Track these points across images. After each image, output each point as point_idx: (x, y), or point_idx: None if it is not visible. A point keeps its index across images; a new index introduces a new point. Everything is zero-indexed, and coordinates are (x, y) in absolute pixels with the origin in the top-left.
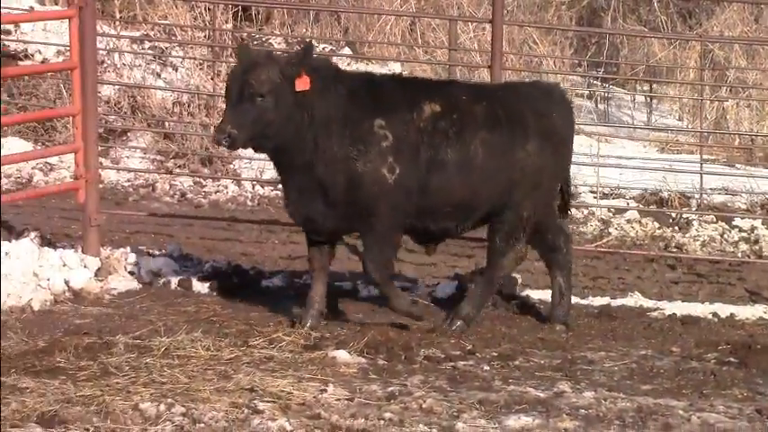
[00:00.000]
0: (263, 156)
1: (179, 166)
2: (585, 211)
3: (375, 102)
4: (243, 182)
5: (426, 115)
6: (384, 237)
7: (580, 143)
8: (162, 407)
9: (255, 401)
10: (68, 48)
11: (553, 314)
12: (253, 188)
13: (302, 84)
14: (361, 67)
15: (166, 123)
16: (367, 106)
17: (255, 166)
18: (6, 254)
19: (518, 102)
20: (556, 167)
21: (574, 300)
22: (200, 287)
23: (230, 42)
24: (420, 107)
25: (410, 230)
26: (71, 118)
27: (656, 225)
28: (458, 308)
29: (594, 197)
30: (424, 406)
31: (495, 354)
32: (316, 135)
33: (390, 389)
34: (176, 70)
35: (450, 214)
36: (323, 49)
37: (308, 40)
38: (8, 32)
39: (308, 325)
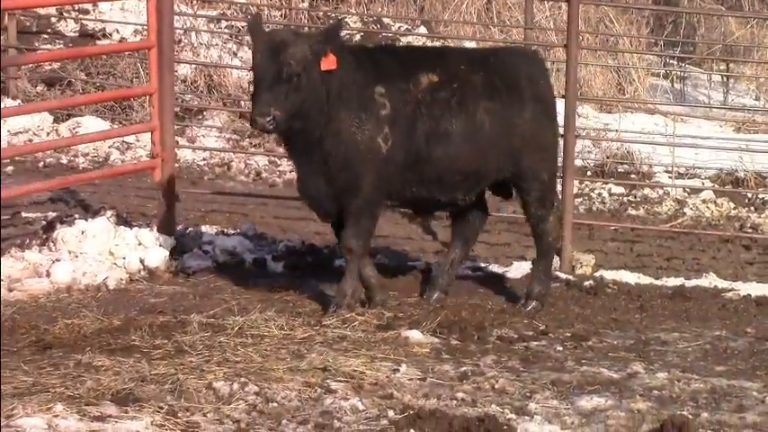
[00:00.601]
0: None
1: (254, 145)
2: (660, 191)
3: (378, 71)
4: None
5: (425, 85)
6: (366, 206)
7: (655, 122)
8: (235, 386)
9: (328, 381)
10: (146, 27)
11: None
12: None
13: (329, 63)
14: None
15: (242, 102)
16: (370, 75)
17: None
18: (83, 232)
19: (512, 68)
20: (554, 129)
21: (648, 281)
22: (274, 266)
23: (306, 21)
24: (417, 77)
25: (417, 201)
26: (147, 97)
27: (732, 205)
28: (528, 290)
29: (670, 177)
30: (496, 386)
31: (569, 334)
32: (330, 109)
33: (463, 369)
34: None
35: (458, 184)
36: (398, 27)
37: (339, 18)
38: (86, 12)
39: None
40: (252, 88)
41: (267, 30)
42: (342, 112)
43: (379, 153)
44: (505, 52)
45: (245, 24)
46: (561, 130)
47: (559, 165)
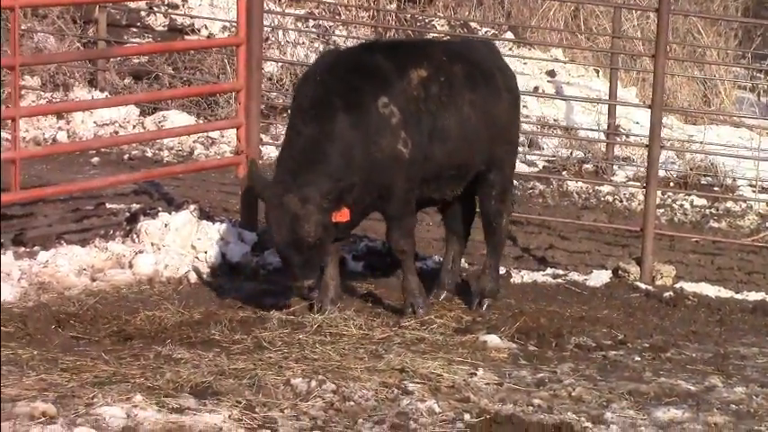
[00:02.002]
0: None
1: None
2: (743, 205)
3: (373, 80)
4: None
5: (416, 82)
6: (406, 206)
7: (740, 135)
8: (313, 383)
9: (405, 382)
10: (234, 23)
11: (443, 280)
12: None
13: (342, 216)
14: (523, 52)
15: None
16: (369, 87)
17: None
18: (166, 225)
19: (486, 59)
20: (518, 123)
21: (728, 294)
22: (355, 266)
23: (394, 23)
24: (408, 74)
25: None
26: (234, 93)
27: None
28: (480, 287)
29: (753, 191)
30: (573, 394)
31: (647, 345)
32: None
33: (540, 375)
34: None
35: (450, 180)
36: (485, 32)
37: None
38: (176, 6)
39: (328, 310)
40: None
41: (274, 196)
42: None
43: (403, 158)
44: (475, 43)
45: (330, 24)
46: (647, 141)
47: (643, 175)
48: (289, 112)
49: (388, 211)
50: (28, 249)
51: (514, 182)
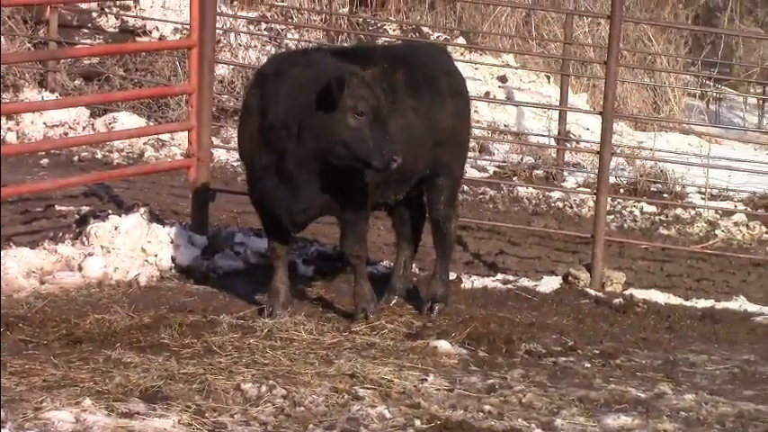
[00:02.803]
0: None
1: None
2: (693, 212)
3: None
4: None
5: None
6: (361, 211)
7: (690, 143)
8: (263, 388)
9: (356, 387)
10: (186, 25)
11: (394, 285)
12: None
13: None
14: (475, 57)
15: None
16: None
17: None
18: (115, 228)
19: (430, 63)
20: (468, 127)
21: (677, 301)
22: (305, 270)
23: (346, 27)
24: None
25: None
26: (185, 96)
27: (764, 229)
28: (431, 293)
29: (702, 198)
30: (523, 400)
31: (597, 351)
32: None
33: (490, 381)
34: None
35: (395, 184)
36: (437, 37)
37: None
38: (127, 8)
39: (278, 315)
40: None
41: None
42: None
43: None
44: (421, 47)
45: (283, 28)
46: (597, 147)
47: (594, 181)
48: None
49: (344, 215)
50: None
51: (463, 186)
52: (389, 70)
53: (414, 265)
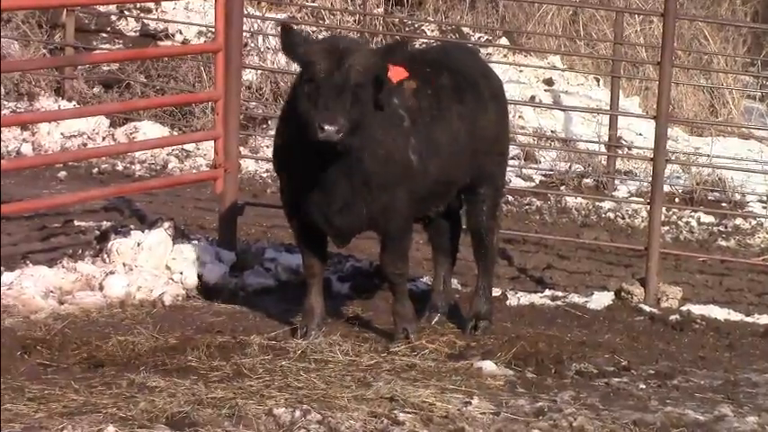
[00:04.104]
0: None
1: None
2: (753, 222)
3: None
4: None
5: (408, 93)
6: (404, 225)
7: (750, 148)
8: (297, 413)
9: (396, 412)
10: (210, 28)
11: (435, 302)
12: None
13: (396, 74)
14: (519, 59)
15: None
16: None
17: None
18: (138, 244)
19: (469, 66)
20: (508, 132)
21: (738, 317)
22: (340, 287)
23: (381, 28)
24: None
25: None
26: (211, 103)
27: None
28: (474, 311)
29: (764, 207)
30: (574, 424)
31: (652, 371)
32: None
33: (539, 404)
34: None
35: (440, 196)
36: (478, 38)
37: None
38: (148, 11)
39: (312, 335)
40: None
41: (323, 37)
42: (377, 129)
43: (411, 168)
44: (454, 49)
45: (314, 29)
46: (651, 153)
47: (647, 190)
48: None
49: (388, 229)
50: None
51: (508, 197)
52: (432, 74)
53: (454, 281)
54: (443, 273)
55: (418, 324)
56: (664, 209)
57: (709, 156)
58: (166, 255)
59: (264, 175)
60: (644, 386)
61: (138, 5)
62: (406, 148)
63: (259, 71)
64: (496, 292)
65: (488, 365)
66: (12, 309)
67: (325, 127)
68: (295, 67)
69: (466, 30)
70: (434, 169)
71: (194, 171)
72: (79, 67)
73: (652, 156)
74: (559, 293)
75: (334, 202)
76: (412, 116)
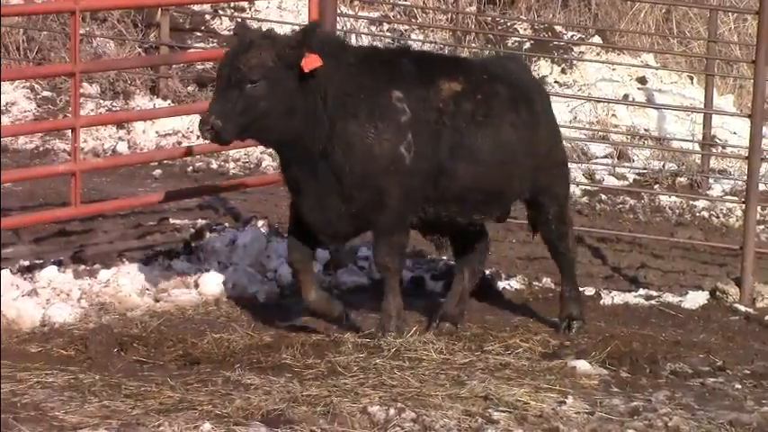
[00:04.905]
0: None
1: None
2: None
3: (387, 74)
4: None
5: (445, 95)
6: (395, 219)
7: None
8: (391, 411)
9: (490, 410)
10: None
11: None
12: None
13: (311, 63)
14: (612, 57)
15: None
16: (379, 78)
17: None
18: (233, 242)
19: (523, 79)
20: (561, 144)
21: None
22: (434, 286)
23: (473, 27)
24: (436, 85)
25: (432, 222)
26: None
27: None
28: (566, 312)
29: None
30: (669, 424)
31: (748, 371)
32: (331, 117)
33: (634, 404)
34: None
35: (480, 204)
36: (570, 36)
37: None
38: (242, 9)
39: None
40: None
41: (246, 31)
42: (350, 122)
43: (401, 164)
44: (510, 62)
45: (406, 28)
46: (746, 152)
47: (742, 189)
48: None
49: (376, 224)
50: (88, 268)
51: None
52: (487, 82)
53: (547, 280)
54: (463, 286)
55: (402, 323)
56: (759, 207)
57: None
58: (261, 253)
59: None
60: (739, 386)
61: (233, 4)
62: (397, 143)
63: None
64: (590, 291)
65: (582, 365)
66: (108, 306)
67: (203, 127)
68: None
69: (558, 28)
70: (465, 173)
71: None
72: (174, 65)
73: (747, 154)
74: (653, 293)
75: (307, 198)
76: (432, 116)
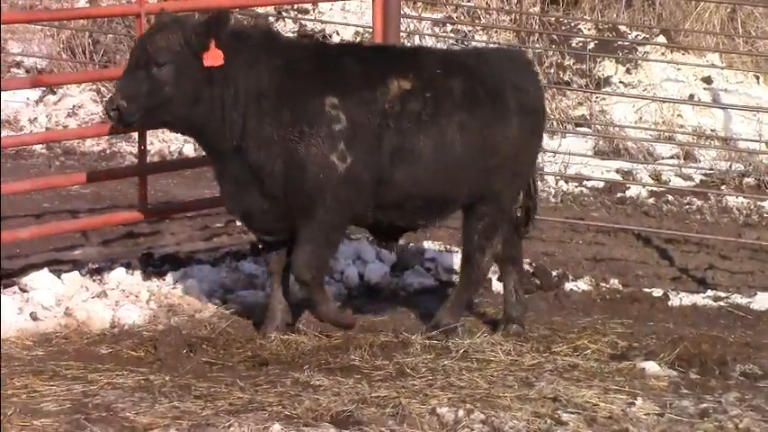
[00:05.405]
0: (567, 149)
1: None
2: None
3: (323, 76)
4: (546, 176)
5: (393, 95)
6: (324, 233)
7: None
8: (460, 412)
9: (559, 412)
10: (368, 29)
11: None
12: (556, 184)
13: (212, 58)
14: (677, 57)
15: None
16: (313, 81)
17: (560, 160)
18: None
19: (496, 74)
20: (534, 148)
21: None
22: (500, 288)
23: (537, 27)
24: (385, 84)
25: (373, 226)
26: None
27: None
28: (436, 318)
29: None
30: (740, 426)
31: None
32: (244, 115)
33: (703, 405)
34: None
35: (421, 209)
36: (635, 36)
37: (223, 9)
38: (306, 11)
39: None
40: None
41: (164, 15)
42: (266, 123)
43: (331, 173)
44: (494, 54)
45: (470, 29)
46: None
47: None
48: None
49: (298, 231)
50: (156, 269)
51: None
52: (441, 77)
53: (615, 281)
54: (513, 283)
55: (344, 318)
56: None
57: None
58: None
59: None
60: None
61: (296, 7)
62: (327, 152)
63: None
64: (658, 292)
65: (651, 366)
66: (177, 308)
67: (109, 107)
68: None
69: (622, 28)
70: (403, 179)
71: None
72: None
73: None
74: (722, 294)
75: (227, 191)
76: (372, 119)
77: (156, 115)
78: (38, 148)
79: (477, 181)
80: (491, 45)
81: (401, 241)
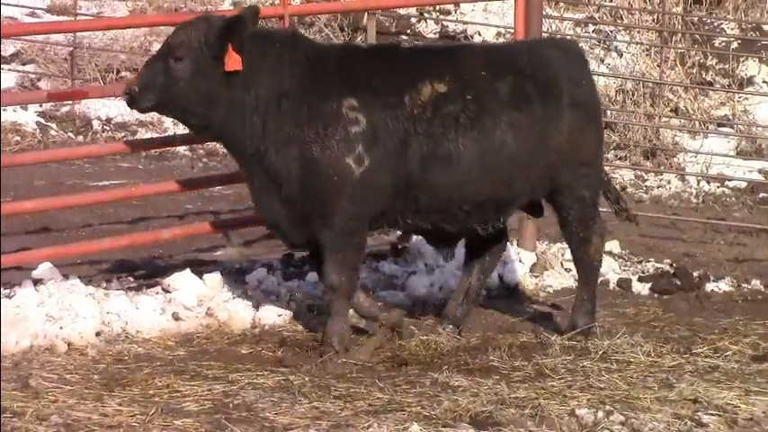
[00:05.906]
0: (709, 149)
1: (620, 158)
2: None
3: (345, 78)
4: (687, 177)
5: (424, 99)
6: (344, 239)
7: None
8: (600, 414)
9: (699, 413)
10: (509, 29)
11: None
12: (698, 184)
13: (231, 63)
14: None
15: (608, 112)
16: (333, 82)
17: (702, 161)
18: None
19: (548, 67)
20: (596, 139)
21: None
22: (640, 288)
23: (680, 27)
24: (415, 88)
25: (417, 231)
26: None
27: None
28: (572, 320)
29: None
30: None
31: None
32: (264, 117)
33: None
34: (621, 56)
35: (470, 213)
36: None
37: (248, 6)
38: (448, 12)
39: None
40: None
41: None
42: (285, 124)
43: (347, 177)
44: (538, 46)
45: (612, 29)
46: None
47: None
48: None
49: (321, 238)
50: (296, 270)
51: None
52: (484, 76)
53: (756, 282)
54: (469, 286)
55: (343, 348)
56: None
57: None
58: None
59: None
60: None
61: (438, 8)
62: (343, 154)
63: None
64: None
65: None
66: (317, 308)
67: (125, 90)
68: (594, 67)
69: (766, 27)
70: (440, 184)
71: None
72: None
73: None
74: None
75: (255, 196)
76: (397, 123)
77: (170, 109)
78: (181, 149)
79: (537, 178)
80: (633, 45)
81: (539, 244)
